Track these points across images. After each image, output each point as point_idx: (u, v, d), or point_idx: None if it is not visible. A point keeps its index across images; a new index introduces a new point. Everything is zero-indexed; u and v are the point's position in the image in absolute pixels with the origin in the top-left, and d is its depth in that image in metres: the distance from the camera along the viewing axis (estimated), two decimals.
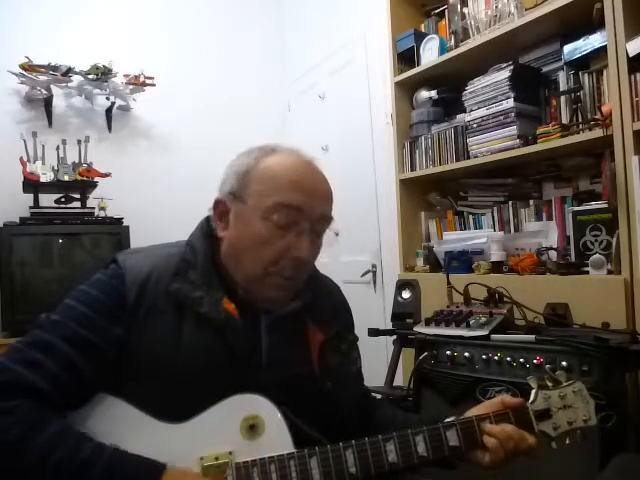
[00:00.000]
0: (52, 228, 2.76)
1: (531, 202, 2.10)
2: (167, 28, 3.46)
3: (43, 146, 2.84)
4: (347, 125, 3.10)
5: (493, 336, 1.34)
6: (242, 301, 0.90)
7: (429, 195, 2.50)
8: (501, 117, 2.01)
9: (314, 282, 1.00)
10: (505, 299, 1.48)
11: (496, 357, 1.30)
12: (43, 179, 2.76)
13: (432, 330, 1.45)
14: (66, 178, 2.82)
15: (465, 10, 2.21)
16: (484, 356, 1.32)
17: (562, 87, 1.94)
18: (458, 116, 2.30)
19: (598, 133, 1.68)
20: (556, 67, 1.98)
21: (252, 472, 0.78)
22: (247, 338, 0.89)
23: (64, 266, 2.79)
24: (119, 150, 3.28)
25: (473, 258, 2.09)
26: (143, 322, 0.86)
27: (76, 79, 3.07)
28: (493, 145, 2.05)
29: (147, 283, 0.88)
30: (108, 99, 3.17)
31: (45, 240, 2.77)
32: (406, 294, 1.78)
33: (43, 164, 2.80)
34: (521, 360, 1.26)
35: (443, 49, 2.30)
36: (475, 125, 2.12)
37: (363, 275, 2.93)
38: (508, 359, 1.28)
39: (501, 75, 2.01)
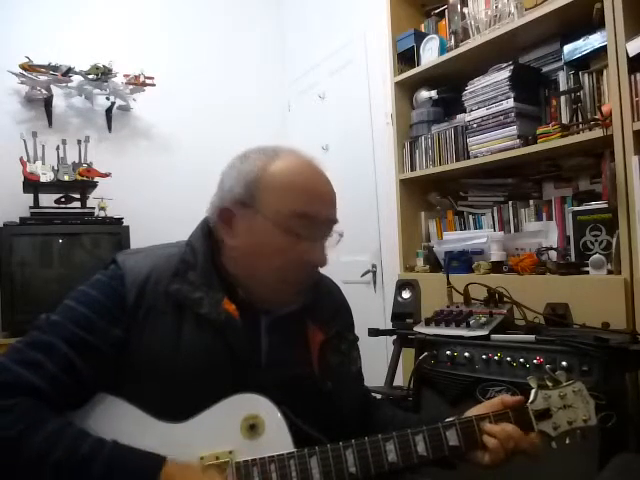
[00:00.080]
0: (52, 228, 2.76)
1: (531, 202, 2.10)
2: (167, 28, 3.46)
3: (43, 146, 2.84)
4: (347, 125, 3.10)
5: (493, 336, 1.34)
6: (242, 302, 0.90)
7: (429, 195, 2.50)
8: (501, 117, 2.02)
9: (314, 282, 1.00)
10: (505, 299, 1.48)
11: (496, 357, 1.30)
12: (43, 179, 2.76)
13: (432, 330, 1.45)
14: (66, 178, 2.82)
15: (465, 10, 2.21)
16: (484, 356, 1.32)
17: (562, 87, 1.94)
18: (458, 116, 2.30)
19: (598, 133, 1.68)
20: (556, 67, 1.98)
21: (252, 471, 0.78)
22: (247, 338, 0.89)
23: (64, 266, 2.79)
24: (119, 150, 3.28)
25: (473, 258, 2.09)
26: (143, 323, 0.86)
27: (76, 79, 3.07)
28: (493, 145, 2.05)
29: (147, 284, 0.87)
30: (108, 99, 3.17)
31: (45, 240, 2.77)
32: (406, 294, 1.78)
33: (43, 164, 2.80)
34: (521, 360, 1.26)
35: (443, 49, 2.30)
36: (475, 125, 2.13)
37: (363, 275, 2.93)
38: (508, 359, 1.28)
39: (501, 75, 2.01)
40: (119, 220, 2.91)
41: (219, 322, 0.87)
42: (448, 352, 1.38)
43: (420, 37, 2.42)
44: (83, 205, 2.91)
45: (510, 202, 2.15)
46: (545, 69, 2.03)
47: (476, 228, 2.29)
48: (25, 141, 2.80)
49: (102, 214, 2.91)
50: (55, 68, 2.95)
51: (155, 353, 0.84)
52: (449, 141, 2.28)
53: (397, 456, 0.81)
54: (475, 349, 1.34)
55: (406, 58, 2.48)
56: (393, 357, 1.79)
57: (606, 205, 1.69)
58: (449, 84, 2.38)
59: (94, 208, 2.92)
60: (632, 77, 1.59)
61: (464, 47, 2.16)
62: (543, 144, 1.86)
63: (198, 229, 0.97)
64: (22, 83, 2.93)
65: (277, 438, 0.82)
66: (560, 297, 1.53)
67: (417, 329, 1.49)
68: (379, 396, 1.63)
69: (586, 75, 1.83)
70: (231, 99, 3.57)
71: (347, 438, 0.82)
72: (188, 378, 0.83)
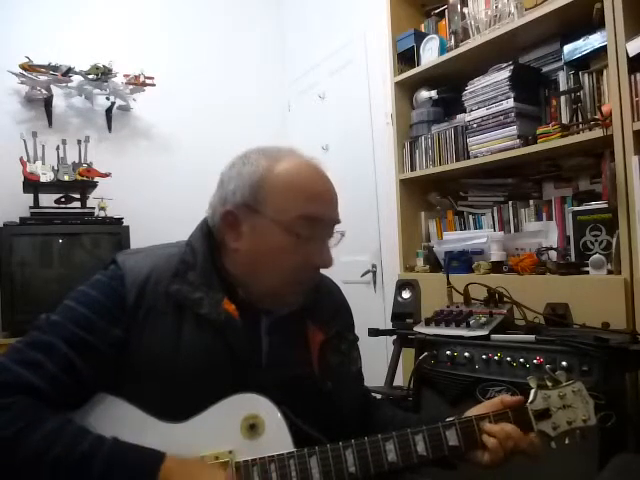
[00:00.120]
0: (52, 228, 2.75)
1: (531, 202, 2.10)
2: (167, 28, 3.46)
3: (43, 146, 2.84)
4: (347, 125, 3.10)
5: (493, 336, 1.34)
6: (242, 302, 0.90)
7: (429, 195, 2.50)
8: (501, 117, 2.02)
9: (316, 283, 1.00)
10: (505, 299, 1.48)
11: (496, 357, 1.30)
12: (43, 179, 2.76)
13: (432, 330, 1.45)
14: (66, 178, 2.82)
15: (465, 10, 2.21)
16: (484, 356, 1.32)
17: (562, 87, 1.94)
18: (458, 116, 2.30)
19: (598, 133, 1.68)
20: (556, 67, 1.98)
21: (252, 471, 0.78)
22: (247, 338, 0.89)
23: (64, 266, 2.79)
24: (119, 150, 3.28)
25: (473, 258, 2.09)
26: (143, 323, 0.86)
27: (76, 79, 3.07)
28: (493, 145, 2.05)
29: (147, 284, 0.87)
30: (108, 99, 3.17)
31: (45, 240, 2.77)
32: (406, 294, 1.78)
33: (43, 164, 2.80)
34: (521, 360, 1.26)
35: (443, 49, 2.30)
36: (475, 125, 2.13)
37: (363, 275, 2.93)
38: (508, 359, 1.28)
39: (501, 75, 2.01)
40: (119, 220, 2.91)
41: (219, 322, 0.87)
42: (448, 352, 1.38)
43: (420, 37, 2.42)
44: (83, 205, 2.91)
45: (510, 202, 2.15)
46: (545, 69, 2.03)
47: (476, 228, 2.29)
48: (25, 141, 2.80)
49: (102, 214, 2.91)
50: (55, 68, 2.95)
51: (155, 353, 0.84)
52: (449, 141, 2.28)
53: (397, 456, 0.81)
54: (475, 349, 1.35)
55: (406, 58, 2.48)
56: (393, 357, 1.79)
57: (606, 205, 1.69)
58: (449, 84, 2.38)
59: (94, 208, 2.91)
60: (632, 77, 1.59)
61: (464, 47, 2.16)
62: (543, 144, 1.86)
63: (198, 229, 0.97)
64: (22, 83, 2.93)
65: (277, 438, 0.82)
66: (560, 297, 1.53)
67: (417, 329, 1.49)
68: (379, 396, 1.63)
69: (586, 75, 1.83)
70: (231, 99, 3.57)
71: (347, 438, 0.82)
72: (188, 378, 0.83)
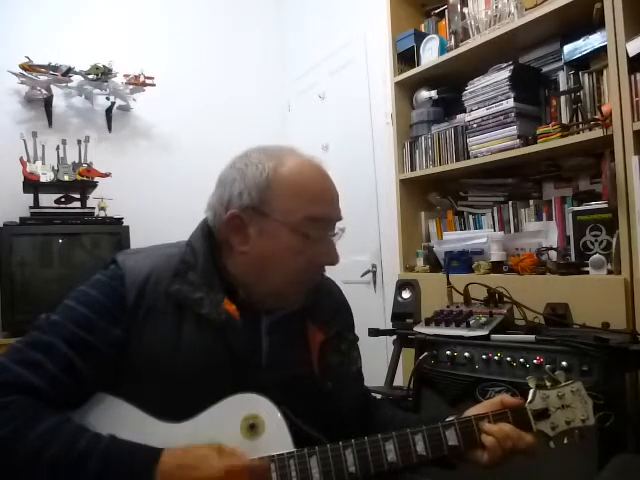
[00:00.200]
0: (52, 228, 2.76)
1: (531, 202, 2.10)
2: (167, 28, 3.46)
3: (43, 146, 2.84)
4: (347, 125, 3.10)
5: (493, 336, 1.34)
6: (242, 302, 0.90)
7: (429, 195, 2.50)
8: (501, 117, 2.02)
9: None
10: (505, 299, 1.48)
11: (496, 357, 1.30)
12: (43, 179, 2.76)
13: (432, 330, 1.45)
14: (66, 178, 2.82)
15: (465, 10, 2.22)
16: (484, 356, 1.32)
17: (562, 87, 1.94)
18: (458, 116, 2.30)
19: (598, 133, 1.68)
20: (556, 67, 1.98)
21: None
22: (247, 339, 0.89)
23: (64, 266, 2.79)
24: (119, 150, 3.28)
25: (473, 258, 2.09)
26: (143, 323, 0.86)
27: (76, 79, 3.07)
28: (493, 145, 2.05)
29: (147, 284, 0.87)
30: (108, 99, 3.17)
31: (45, 240, 2.77)
32: (406, 294, 1.78)
33: (43, 164, 2.80)
34: (521, 360, 1.26)
35: (443, 49, 2.30)
36: (475, 125, 2.13)
37: (363, 275, 2.93)
38: (508, 359, 1.28)
39: (501, 75, 2.01)
40: (119, 220, 2.91)
41: (219, 322, 0.87)
42: (448, 352, 1.38)
43: (420, 37, 2.42)
44: (83, 205, 2.91)
45: (510, 202, 2.15)
46: (545, 69, 2.03)
47: (476, 228, 2.29)
48: (25, 141, 2.80)
49: (102, 214, 2.91)
50: (55, 68, 2.95)
51: (155, 353, 0.84)
52: (449, 141, 2.28)
53: (396, 456, 0.81)
54: (475, 349, 1.34)
55: (406, 58, 2.48)
56: (393, 357, 1.79)
57: (606, 205, 1.69)
58: (449, 84, 2.38)
59: (94, 208, 2.92)
60: (632, 77, 1.59)
61: (464, 47, 2.16)
62: (543, 144, 1.86)
63: (198, 229, 0.97)
64: (22, 83, 2.93)
65: (277, 438, 0.82)
66: (560, 297, 1.53)
67: (417, 329, 1.49)
68: (379, 396, 1.63)
69: (586, 75, 1.83)
70: (231, 99, 3.57)
71: (347, 438, 0.82)
72: (188, 378, 0.83)
